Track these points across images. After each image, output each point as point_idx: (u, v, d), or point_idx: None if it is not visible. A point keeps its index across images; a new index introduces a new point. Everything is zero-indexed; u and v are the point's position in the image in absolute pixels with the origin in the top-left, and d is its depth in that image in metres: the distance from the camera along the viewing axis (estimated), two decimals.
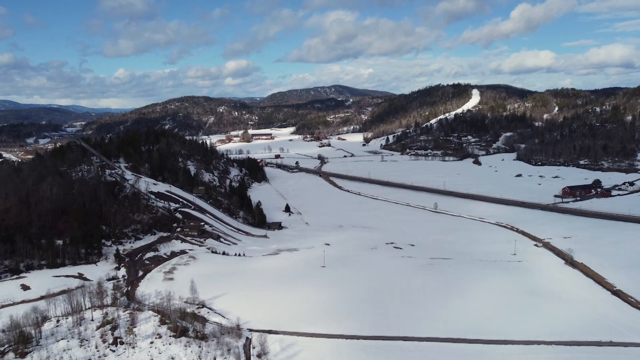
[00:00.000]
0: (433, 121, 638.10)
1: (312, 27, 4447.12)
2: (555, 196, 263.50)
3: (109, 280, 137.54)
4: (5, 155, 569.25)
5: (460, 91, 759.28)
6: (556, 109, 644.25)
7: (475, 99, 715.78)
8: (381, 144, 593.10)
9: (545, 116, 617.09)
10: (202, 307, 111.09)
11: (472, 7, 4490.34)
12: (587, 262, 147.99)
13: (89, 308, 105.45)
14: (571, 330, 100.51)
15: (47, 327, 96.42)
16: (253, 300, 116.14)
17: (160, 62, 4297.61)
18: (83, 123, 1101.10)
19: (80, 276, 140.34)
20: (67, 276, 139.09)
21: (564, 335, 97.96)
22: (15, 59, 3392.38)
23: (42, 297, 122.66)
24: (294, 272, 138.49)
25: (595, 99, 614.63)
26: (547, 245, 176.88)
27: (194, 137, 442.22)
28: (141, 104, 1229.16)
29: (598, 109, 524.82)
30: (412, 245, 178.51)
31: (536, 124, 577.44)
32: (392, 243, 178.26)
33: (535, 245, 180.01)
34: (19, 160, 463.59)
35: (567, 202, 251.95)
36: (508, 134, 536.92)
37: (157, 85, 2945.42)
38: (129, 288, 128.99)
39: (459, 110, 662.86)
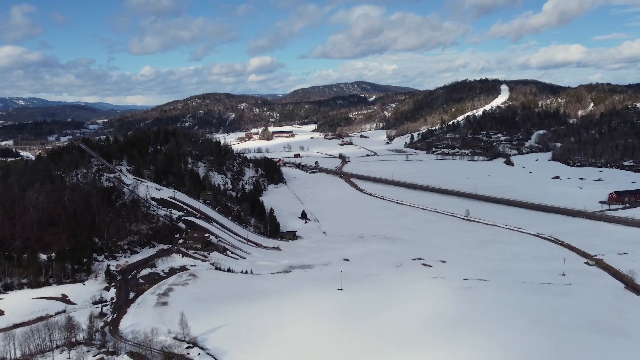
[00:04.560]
0: (460, 118, 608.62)
1: (337, 22, 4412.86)
2: (601, 202, 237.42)
3: (95, 303, 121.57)
4: (22, 153, 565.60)
5: (489, 87, 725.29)
6: (591, 105, 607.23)
7: (504, 95, 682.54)
8: (405, 142, 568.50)
9: (580, 112, 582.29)
10: (193, 347, 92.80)
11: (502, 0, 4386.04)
12: None
13: (56, 348, 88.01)
14: None
15: None
16: (255, 335, 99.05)
17: (184, 59, 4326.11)
18: (105, 120, 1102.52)
19: (63, 298, 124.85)
20: (48, 298, 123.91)
21: None
22: (45, 57, 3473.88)
23: (15, 326, 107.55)
24: (306, 298, 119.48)
25: (633, 94, 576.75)
26: (600, 263, 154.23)
27: (208, 136, 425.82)
28: (166, 101, 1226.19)
29: (639, 105, 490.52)
30: (443, 261, 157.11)
31: (570, 121, 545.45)
32: (420, 259, 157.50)
33: (586, 263, 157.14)
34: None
35: (616, 209, 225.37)
36: (541, 131, 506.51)
37: (182, 82, 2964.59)
38: (115, 315, 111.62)
39: (488, 107, 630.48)
